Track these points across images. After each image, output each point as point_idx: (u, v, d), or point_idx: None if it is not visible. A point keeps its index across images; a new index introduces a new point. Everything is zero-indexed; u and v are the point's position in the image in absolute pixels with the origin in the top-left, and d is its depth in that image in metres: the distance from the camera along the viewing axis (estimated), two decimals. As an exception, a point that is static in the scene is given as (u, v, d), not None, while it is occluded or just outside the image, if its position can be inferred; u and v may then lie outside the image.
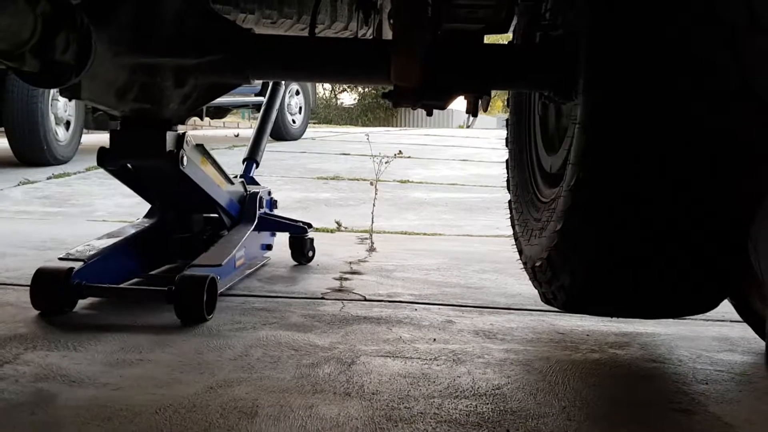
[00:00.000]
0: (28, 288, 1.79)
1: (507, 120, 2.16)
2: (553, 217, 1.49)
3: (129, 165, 2.00)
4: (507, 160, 2.12)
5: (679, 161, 1.28)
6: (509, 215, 2.01)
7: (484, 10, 1.48)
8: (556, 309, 1.68)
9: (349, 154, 6.51)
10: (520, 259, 1.83)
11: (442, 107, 1.70)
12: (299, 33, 2.23)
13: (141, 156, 1.88)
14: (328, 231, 3.38)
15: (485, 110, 1.76)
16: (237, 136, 8.38)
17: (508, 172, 2.09)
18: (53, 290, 1.77)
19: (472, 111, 1.73)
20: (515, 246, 1.91)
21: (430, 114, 1.79)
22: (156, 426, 1.18)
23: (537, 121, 1.91)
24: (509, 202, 2.04)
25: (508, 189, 2.07)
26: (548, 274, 1.52)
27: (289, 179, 4.94)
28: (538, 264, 1.55)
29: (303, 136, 8.16)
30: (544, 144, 1.83)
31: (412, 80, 1.62)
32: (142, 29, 1.63)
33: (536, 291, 1.70)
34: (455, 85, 1.64)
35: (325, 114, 18.16)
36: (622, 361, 1.63)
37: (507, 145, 2.14)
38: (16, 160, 5.10)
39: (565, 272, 1.46)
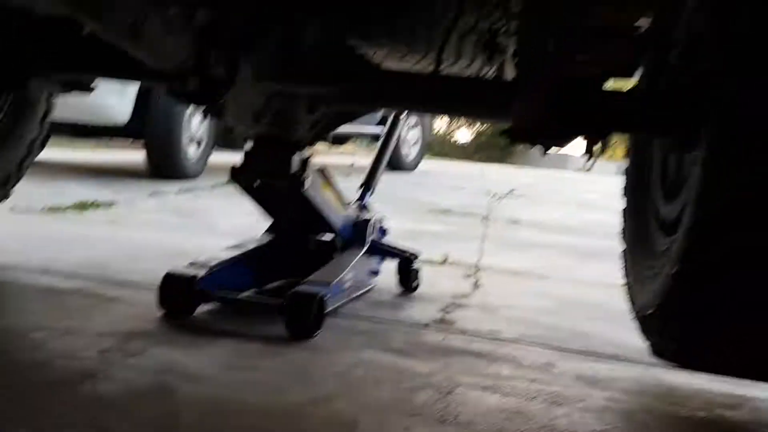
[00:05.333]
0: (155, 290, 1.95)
1: (625, 169, 2.13)
2: (668, 263, 1.46)
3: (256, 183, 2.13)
4: (623, 210, 2.09)
5: None
6: (622, 265, 1.98)
7: (611, 56, 1.50)
8: (666, 363, 1.63)
9: (462, 188, 6.55)
10: (632, 309, 1.79)
11: (560, 146, 1.71)
12: (425, 68, 2.31)
13: (268, 176, 2.01)
14: (435, 263, 3.41)
15: (603, 154, 1.76)
16: (353, 165, 8.63)
17: (623, 222, 2.06)
18: (179, 294, 1.91)
19: (590, 153, 1.73)
20: (627, 295, 1.88)
21: (546, 153, 1.80)
22: (266, 427, 1.25)
23: (657, 169, 1.88)
24: (623, 251, 2.00)
25: (623, 239, 2.03)
26: (660, 322, 1.48)
27: (400, 209, 5.03)
28: (649, 312, 1.52)
29: (417, 169, 8.29)
30: (663, 192, 1.79)
31: (531, 119, 1.64)
32: (284, 59, 1.76)
33: (645, 343, 1.66)
34: (575, 127, 1.65)
35: (440, 149, 18.32)
36: (729, 423, 1.55)
37: (624, 194, 2.11)
38: (149, 173, 5.50)
39: (678, 320, 1.42)
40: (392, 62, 2.28)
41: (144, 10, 1.19)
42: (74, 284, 2.21)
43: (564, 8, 1.57)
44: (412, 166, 8.22)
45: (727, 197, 1.30)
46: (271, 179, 2.03)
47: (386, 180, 2.96)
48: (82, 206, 4.01)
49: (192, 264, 2.02)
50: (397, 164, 7.67)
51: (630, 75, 1.94)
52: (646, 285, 1.64)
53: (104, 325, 1.79)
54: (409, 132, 8.16)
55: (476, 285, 2.93)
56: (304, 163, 1.99)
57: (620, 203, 2.12)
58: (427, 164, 9.24)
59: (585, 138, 1.75)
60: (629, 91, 1.84)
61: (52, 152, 6.80)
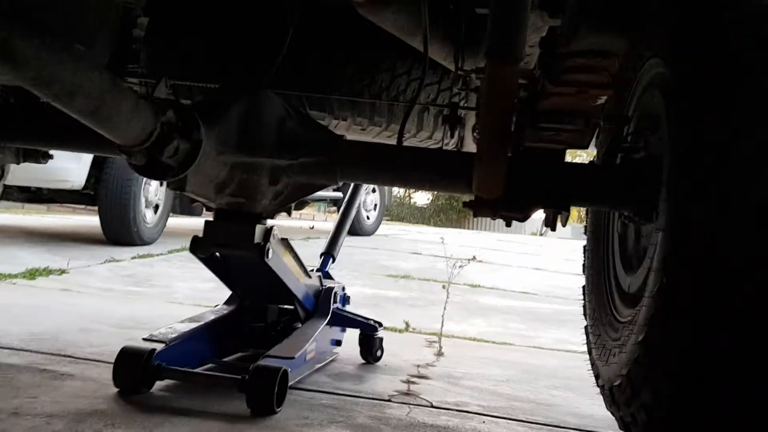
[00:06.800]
0: (109, 365, 1.87)
1: (584, 247, 2.17)
2: (633, 332, 1.47)
3: (217, 254, 2.10)
4: (584, 286, 2.11)
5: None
6: (586, 341, 1.98)
7: (569, 133, 1.54)
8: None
9: (420, 254, 6.56)
10: (597, 383, 1.79)
11: (522, 219, 1.73)
12: (386, 140, 2.34)
13: (230, 246, 1.98)
14: (396, 331, 3.39)
15: (564, 225, 1.79)
16: (312, 228, 8.60)
17: (584, 298, 2.08)
18: (135, 370, 1.84)
19: (551, 225, 1.76)
20: (592, 371, 1.88)
21: (509, 225, 1.82)
22: None
23: (616, 242, 1.91)
24: (586, 327, 2.02)
25: (585, 315, 2.05)
26: (628, 392, 1.48)
27: (359, 275, 5.00)
28: (617, 383, 1.51)
29: (376, 233, 8.30)
30: (623, 264, 1.82)
31: (493, 192, 1.66)
32: (246, 131, 1.77)
33: (611, 415, 1.65)
34: (536, 200, 1.68)
35: (398, 212, 18.47)
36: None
37: (584, 272, 2.13)
38: (104, 239, 5.38)
39: (647, 388, 1.41)
40: (353, 134, 2.31)
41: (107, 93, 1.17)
42: (23, 359, 2.11)
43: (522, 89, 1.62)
44: (371, 231, 8.22)
45: (691, 264, 1.32)
46: (233, 250, 2.00)
47: (345, 245, 2.95)
48: (33, 273, 3.88)
49: (149, 338, 1.96)
50: (355, 229, 7.66)
51: (586, 147, 2.01)
52: (612, 357, 1.65)
53: (55, 404, 1.71)
54: (368, 197, 8.20)
55: (439, 353, 2.91)
56: (267, 233, 1.98)
57: (580, 280, 2.13)
58: (385, 228, 9.27)
59: (545, 210, 1.79)
60: (588, 164, 1.89)
61: (3, 217, 6.62)
